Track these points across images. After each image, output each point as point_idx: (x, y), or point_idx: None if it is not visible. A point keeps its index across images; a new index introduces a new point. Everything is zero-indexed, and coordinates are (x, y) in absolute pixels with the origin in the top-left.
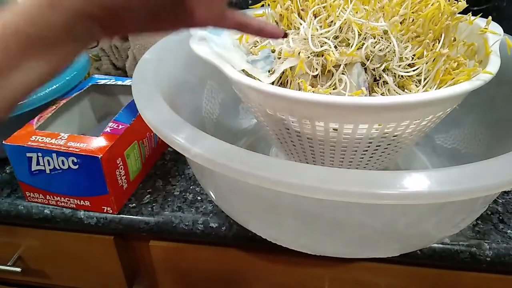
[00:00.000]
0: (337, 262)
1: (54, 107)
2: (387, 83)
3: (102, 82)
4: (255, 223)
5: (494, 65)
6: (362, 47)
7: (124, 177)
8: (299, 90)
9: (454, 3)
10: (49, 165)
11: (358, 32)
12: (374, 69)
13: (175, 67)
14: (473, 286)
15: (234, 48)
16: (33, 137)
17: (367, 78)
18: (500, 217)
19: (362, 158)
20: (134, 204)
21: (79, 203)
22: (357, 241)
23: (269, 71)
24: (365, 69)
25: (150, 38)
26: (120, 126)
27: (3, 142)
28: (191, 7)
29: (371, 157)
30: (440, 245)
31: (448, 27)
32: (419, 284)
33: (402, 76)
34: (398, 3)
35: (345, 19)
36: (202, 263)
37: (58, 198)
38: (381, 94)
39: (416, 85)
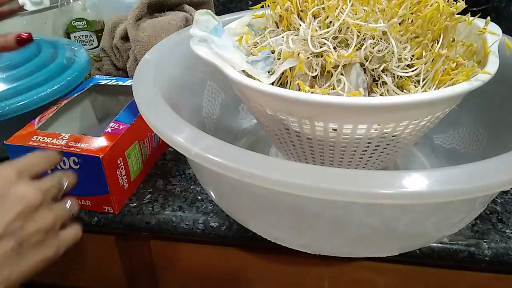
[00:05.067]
0: (337, 262)
1: (55, 107)
2: (386, 83)
3: (103, 82)
4: (255, 222)
5: (493, 66)
6: (361, 48)
7: (125, 177)
8: (298, 90)
9: (453, 3)
10: None
11: (357, 33)
12: (373, 70)
13: (175, 68)
14: (471, 285)
15: (234, 49)
16: (34, 137)
17: (366, 79)
18: (499, 217)
19: (361, 158)
20: (135, 204)
21: (80, 202)
22: (357, 241)
23: (269, 72)
24: (364, 69)
25: (151, 39)
26: (121, 126)
27: (4, 142)
28: None
29: (370, 157)
30: (439, 245)
31: (447, 28)
32: (418, 283)
33: (401, 76)
34: (397, 4)
35: (343, 20)
36: (202, 263)
37: None
38: (380, 95)
39: (415, 85)
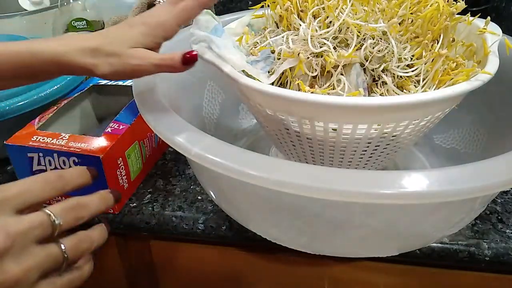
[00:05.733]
0: (337, 262)
1: (55, 107)
2: (386, 83)
3: (103, 82)
4: (255, 222)
5: (492, 66)
6: (361, 48)
7: (125, 177)
8: (298, 90)
9: (453, 3)
10: (50, 165)
11: (357, 33)
12: (373, 70)
13: None
14: (471, 285)
15: (235, 49)
16: (34, 137)
17: (366, 79)
18: (499, 217)
19: (361, 158)
20: (135, 204)
21: None
22: (357, 241)
23: (269, 72)
24: (364, 69)
25: None
26: (121, 126)
27: (5, 142)
28: None
29: (370, 157)
30: (439, 245)
31: (447, 28)
32: (418, 283)
33: (401, 76)
34: (397, 4)
35: (343, 20)
36: (202, 263)
37: (59, 198)
38: (380, 95)
39: (415, 85)
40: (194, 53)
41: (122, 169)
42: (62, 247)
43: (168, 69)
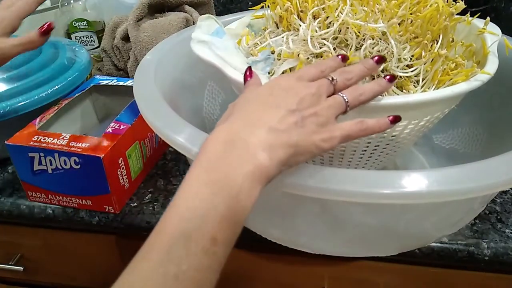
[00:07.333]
0: (337, 261)
1: (56, 107)
2: None
3: (104, 82)
4: (255, 222)
5: (492, 66)
6: (360, 49)
7: (126, 176)
8: None
9: (453, 4)
10: (51, 165)
11: (356, 33)
12: None
13: (176, 68)
14: (471, 285)
15: (235, 50)
16: (35, 137)
17: (366, 79)
18: (498, 217)
19: (361, 158)
20: (135, 204)
21: (81, 202)
22: (357, 240)
23: (269, 73)
24: None
25: (151, 39)
26: (122, 126)
27: (5, 142)
28: None
29: (370, 157)
30: (439, 244)
31: (447, 28)
32: (418, 282)
33: (400, 76)
34: (397, 5)
35: (343, 20)
36: None
37: (60, 198)
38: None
39: (414, 85)
40: (48, 23)
41: (123, 169)
42: (344, 96)
43: (28, 45)
